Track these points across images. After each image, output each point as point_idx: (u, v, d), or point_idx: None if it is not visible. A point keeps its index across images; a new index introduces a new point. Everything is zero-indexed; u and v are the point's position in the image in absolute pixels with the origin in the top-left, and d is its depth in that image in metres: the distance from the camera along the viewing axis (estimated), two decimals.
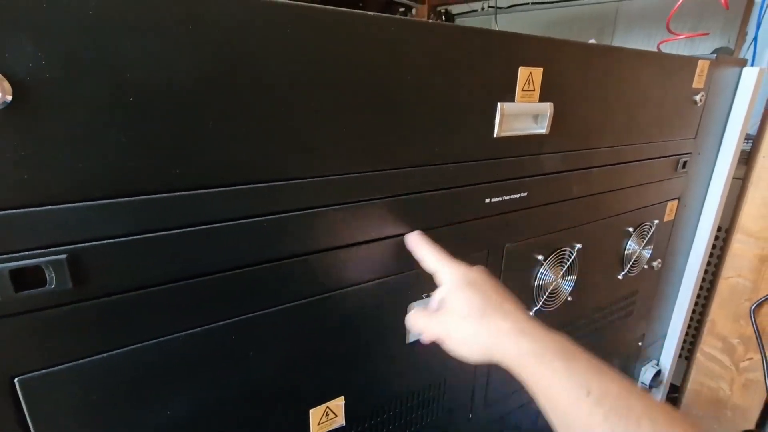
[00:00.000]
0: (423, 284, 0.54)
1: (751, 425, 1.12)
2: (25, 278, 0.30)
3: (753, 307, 1.04)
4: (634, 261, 0.85)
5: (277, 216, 0.40)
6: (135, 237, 0.34)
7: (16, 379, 0.32)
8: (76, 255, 0.31)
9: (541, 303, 0.70)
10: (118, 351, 0.36)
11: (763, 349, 1.04)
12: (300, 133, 0.39)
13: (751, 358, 1.07)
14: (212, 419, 0.42)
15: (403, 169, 0.47)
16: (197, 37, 0.32)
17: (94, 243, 0.32)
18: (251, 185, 0.38)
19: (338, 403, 0.51)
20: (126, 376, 0.36)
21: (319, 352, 0.48)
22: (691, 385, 1.18)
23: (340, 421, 0.52)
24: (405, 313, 0.53)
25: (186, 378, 0.40)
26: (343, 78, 0.40)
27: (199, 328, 0.39)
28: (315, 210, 0.42)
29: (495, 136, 0.53)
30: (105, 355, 0.35)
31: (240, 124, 0.36)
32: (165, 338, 0.38)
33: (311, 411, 0.49)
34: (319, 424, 0.51)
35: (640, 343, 1.02)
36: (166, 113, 0.33)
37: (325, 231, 0.44)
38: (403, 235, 0.50)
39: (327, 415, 0.51)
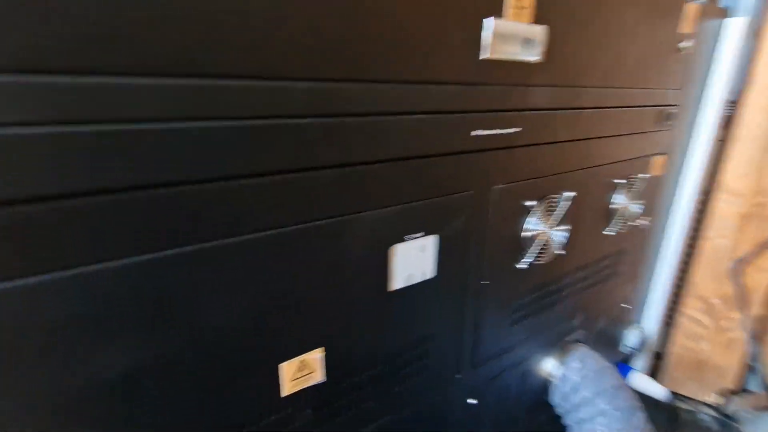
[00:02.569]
0: (409, 222, 0.48)
1: (730, 384, 1.13)
2: None
3: (733, 265, 1.04)
4: (622, 216, 0.82)
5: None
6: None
7: None
8: None
9: (530, 256, 0.66)
10: (33, 278, 0.29)
11: (744, 307, 1.04)
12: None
13: (732, 318, 1.08)
14: (150, 372, 0.35)
15: (376, 84, 0.41)
16: None
17: None
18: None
19: (315, 356, 0.46)
20: (42, 314, 0.29)
21: (292, 296, 0.42)
22: (674, 348, 1.17)
23: (319, 377, 0.47)
24: (387, 253, 0.48)
25: (122, 321, 0.33)
26: None
27: (140, 256, 0.32)
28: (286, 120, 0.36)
29: (481, 58, 0.48)
30: (15, 283, 0.28)
31: None
32: (94, 267, 0.31)
33: (283, 365, 0.44)
34: (293, 379, 0.45)
35: (624, 305, 1.00)
36: None
37: (305, 144, 0.38)
38: (387, 161, 0.44)
39: (302, 369, 0.45)
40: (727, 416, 1.14)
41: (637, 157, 0.80)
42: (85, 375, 0.32)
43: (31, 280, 0.29)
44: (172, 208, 0.33)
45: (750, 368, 1.13)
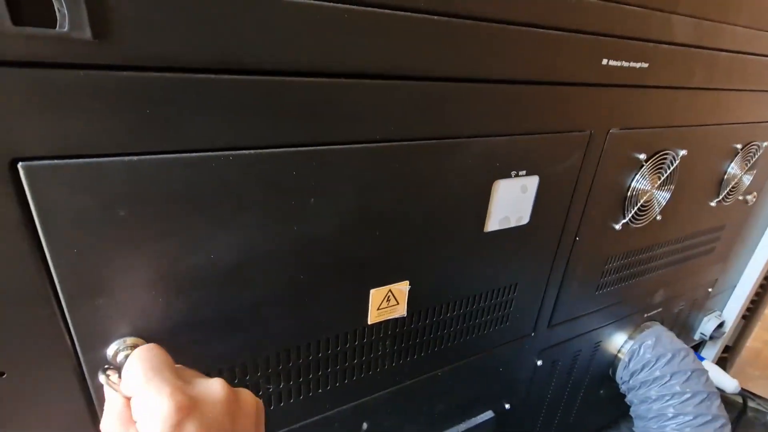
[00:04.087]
0: (517, 156, 0.44)
1: None
2: (28, 6, 0.21)
3: None
4: (732, 187, 0.73)
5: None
6: None
7: (19, 164, 0.24)
8: None
9: (630, 216, 0.59)
10: (149, 157, 0.27)
11: None
12: None
13: None
14: (259, 266, 0.34)
15: None
16: None
17: None
18: None
19: (401, 288, 0.43)
20: (161, 190, 0.28)
21: (391, 217, 0.39)
22: (750, 342, 1.08)
23: (401, 310, 0.45)
24: (489, 188, 0.43)
25: (233, 210, 0.31)
26: None
27: (261, 150, 0.30)
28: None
29: None
30: (131, 158, 0.26)
31: None
32: (214, 153, 0.29)
33: (372, 291, 0.41)
34: (378, 309, 0.43)
35: (710, 289, 0.91)
36: None
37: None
38: (514, 82, 0.39)
39: (388, 300, 0.43)
40: None
41: (764, 121, 0.69)
42: (202, 255, 0.31)
43: (166, 157, 0.27)
44: (307, 99, 0.30)
45: None
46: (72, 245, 0.27)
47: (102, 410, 0.30)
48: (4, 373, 0.28)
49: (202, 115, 0.27)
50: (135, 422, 0.23)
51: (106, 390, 0.26)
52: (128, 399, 0.25)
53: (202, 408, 0.23)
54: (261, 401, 0.28)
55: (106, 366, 0.29)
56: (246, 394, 0.27)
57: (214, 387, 0.24)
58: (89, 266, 0.28)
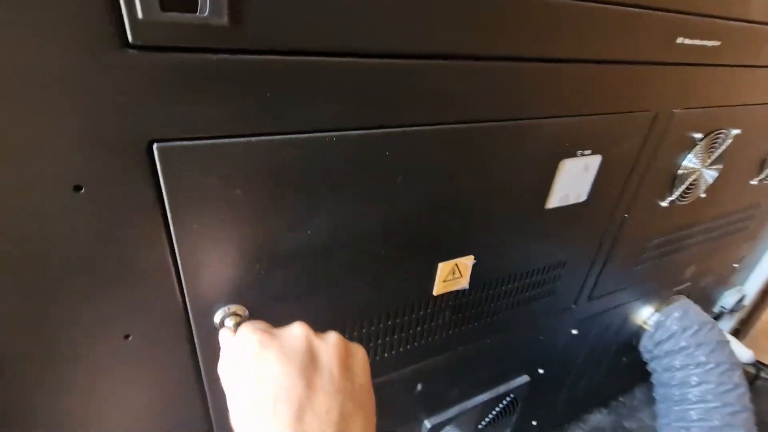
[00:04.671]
0: (582, 137, 0.44)
1: None
2: None
3: None
4: None
5: None
6: None
7: (155, 145, 0.25)
8: None
9: (677, 195, 0.60)
10: (264, 138, 0.28)
11: None
12: None
13: None
14: (348, 241, 0.36)
15: None
16: None
17: None
18: None
19: (467, 262, 0.45)
20: (272, 169, 0.29)
21: (461, 196, 0.40)
22: (766, 315, 1.11)
23: (464, 283, 0.47)
24: (556, 166, 0.44)
25: (335, 187, 0.33)
26: None
27: (360, 131, 0.31)
28: None
29: None
30: (250, 139, 0.27)
31: None
32: (321, 134, 0.30)
33: (441, 264, 0.43)
34: (444, 281, 0.45)
35: (736, 265, 0.93)
36: None
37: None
38: (584, 61, 0.39)
39: (454, 272, 0.45)
40: None
41: None
42: (302, 232, 0.33)
43: (277, 138, 0.28)
44: (402, 81, 0.31)
45: None
46: (194, 222, 0.28)
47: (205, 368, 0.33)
48: (129, 336, 0.30)
49: (313, 96, 0.28)
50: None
51: (225, 337, 0.30)
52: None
53: (282, 341, 0.27)
54: (346, 341, 0.29)
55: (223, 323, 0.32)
56: (332, 334, 0.28)
57: (294, 327, 0.28)
58: (206, 242, 0.29)
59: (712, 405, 0.74)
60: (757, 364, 1.13)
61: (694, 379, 0.76)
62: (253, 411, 0.24)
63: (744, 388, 0.76)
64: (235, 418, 0.25)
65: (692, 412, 0.75)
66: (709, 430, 0.72)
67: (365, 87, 0.30)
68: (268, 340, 0.27)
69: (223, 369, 0.29)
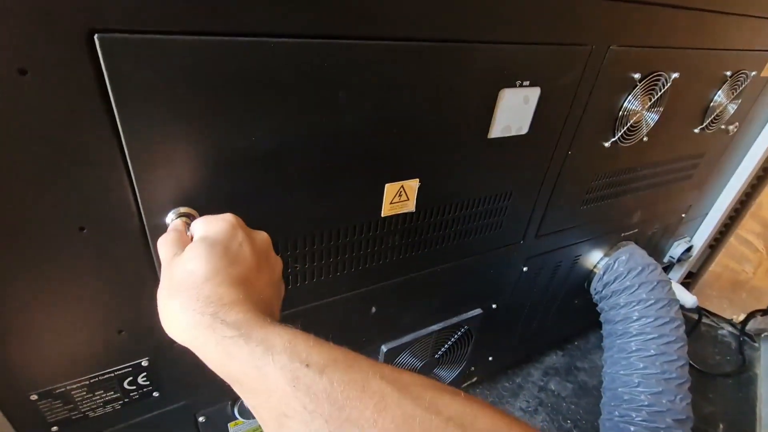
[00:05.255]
0: (521, 66, 0.47)
1: (763, 306, 1.16)
2: None
3: None
4: (716, 116, 0.77)
5: None
6: None
7: (95, 36, 0.27)
8: None
9: (619, 135, 0.64)
10: (206, 38, 0.30)
11: None
12: None
13: None
14: (295, 151, 0.39)
15: None
16: None
17: None
18: None
19: (412, 185, 0.48)
20: (215, 71, 0.31)
21: (405, 116, 0.43)
22: (713, 267, 1.19)
23: (411, 206, 0.50)
24: (496, 95, 0.47)
25: (278, 94, 0.35)
26: None
27: (297, 39, 0.33)
28: None
29: None
30: (192, 38, 0.30)
31: None
32: (258, 39, 0.32)
33: (387, 185, 0.47)
34: (391, 203, 0.48)
35: (683, 215, 1.00)
36: None
37: None
38: None
39: (400, 195, 0.48)
40: (747, 334, 1.20)
41: (755, 50, 0.73)
42: (247, 136, 0.36)
43: (220, 38, 0.30)
44: None
45: None
46: (139, 115, 0.30)
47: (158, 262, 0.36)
48: (84, 228, 0.33)
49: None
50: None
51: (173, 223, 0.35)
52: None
53: (210, 219, 0.32)
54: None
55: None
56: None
57: (224, 215, 0.32)
58: (152, 137, 0.32)
59: (650, 336, 0.81)
60: (701, 310, 1.22)
61: (635, 314, 0.83)
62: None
63: (680, 322, 0.83)
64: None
65: (632, 344, 0.82)
66: (646, 359, 0.80)
67: None
68: (204, 220, 0.32)
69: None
